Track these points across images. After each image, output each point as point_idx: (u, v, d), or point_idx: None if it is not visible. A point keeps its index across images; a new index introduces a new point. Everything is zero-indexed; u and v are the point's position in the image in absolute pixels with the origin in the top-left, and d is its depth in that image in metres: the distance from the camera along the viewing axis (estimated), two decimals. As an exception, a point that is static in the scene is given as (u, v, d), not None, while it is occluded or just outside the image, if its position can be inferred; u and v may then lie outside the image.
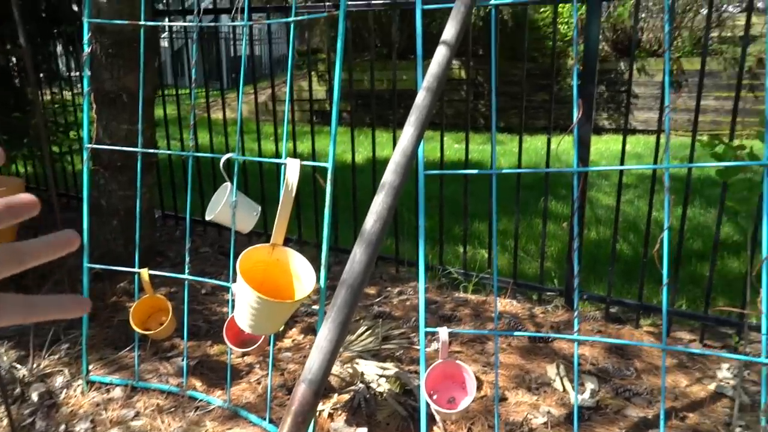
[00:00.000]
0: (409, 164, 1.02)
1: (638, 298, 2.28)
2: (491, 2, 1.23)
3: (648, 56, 6.96)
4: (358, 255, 0.96)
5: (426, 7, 1.20)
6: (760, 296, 1.02)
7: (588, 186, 4.52)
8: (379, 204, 0.99)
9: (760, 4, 7.55)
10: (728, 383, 1.91)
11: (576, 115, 1.16)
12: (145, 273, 1.67)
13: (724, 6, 7.11)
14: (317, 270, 1.30)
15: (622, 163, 2.36)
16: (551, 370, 1.91)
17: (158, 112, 3.14)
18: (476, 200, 3.36)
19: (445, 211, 2.94)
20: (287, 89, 1.42)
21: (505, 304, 2.46)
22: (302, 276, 1.35)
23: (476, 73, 7.30)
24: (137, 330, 1.71)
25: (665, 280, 1.13)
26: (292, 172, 1.29)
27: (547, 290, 2.48)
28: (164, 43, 8.17)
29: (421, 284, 1.20)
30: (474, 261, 2.83)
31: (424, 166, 1.20)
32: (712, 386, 1.89)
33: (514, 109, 6.68)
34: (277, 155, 3.06)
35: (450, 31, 1.16)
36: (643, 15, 7.14)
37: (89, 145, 1.64)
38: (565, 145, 5.45)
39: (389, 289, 2.62)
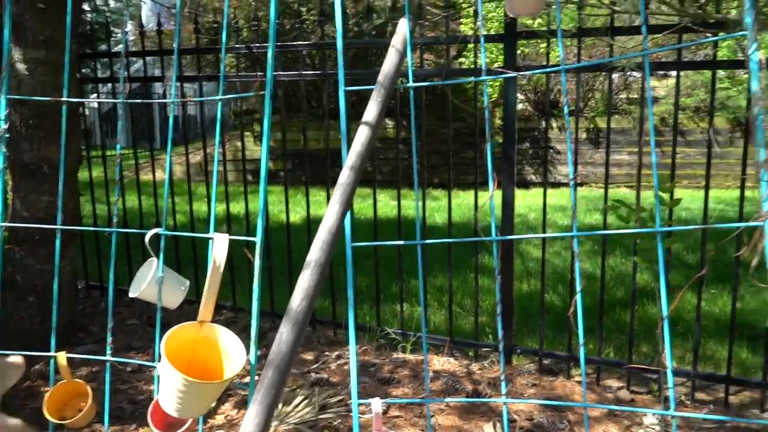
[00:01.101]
0: (335, 241, 1.05)
1: (568, 350, 2.37)
2: (409, 84, 1.31)
3: (564, 116, 7.50)
4: (284, 335, 0.96)
5: (348, 88, 1.27)
6: (664, 353, 1.09)
7: (518, 240, 4.71)
8: (305, 281, 1.00)
9: (661, 72, 8.40)
10: (654, 429, 1.99)
11: (492, 187, 1.24)
12: (62, 357, 1.57)
13: (628, 72, 7.85)
14: (248, 344, 1.28)
15: (544, 219, 2.50)
16: (488, 429, 1.93)
17: (84, 174, 3.04)
18: (413, 257, 3.43)
19: (383, 269, 2.98)
20: (214, 162, 1.44)
21: (443, 363, 2.48)
22: (231, 353, 1.32)
23: (408, 132, 7.58)
24: (51, 420, 1.59)
25: (581, 340, 1.19)
26: (219, 248, 1.29)
27: (483, 346, 2.53)
28: (93, 104, 7.99)
29: (353, 355, 1.21)
30: (412, 320, 2.86)
31: (351, 237, 1.24)
32: (639, 433, 1.96)
33: (445, 165, 6.96)
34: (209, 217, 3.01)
35: (371, 112, 1.23)
36: (556, 77, 7.74)
37: (3, 224, 1.57)
38: (496, 200, 5.68)
39: (327, 353, 2.58)
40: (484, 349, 2.53)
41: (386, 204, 5.95)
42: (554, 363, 2.48)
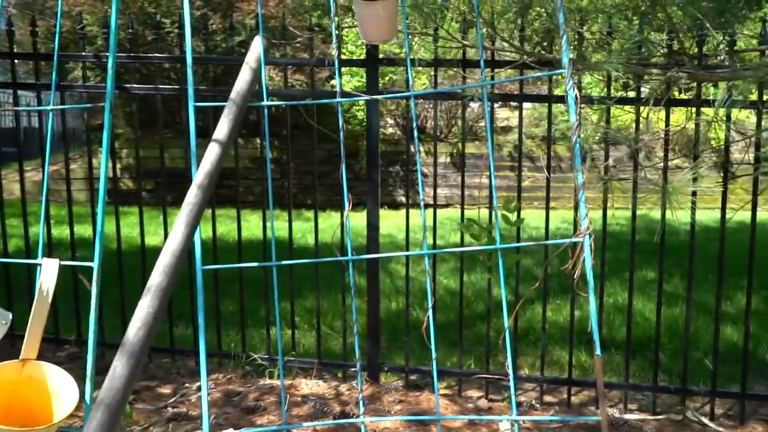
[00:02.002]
0: (179, 264, 0.99)
1: (430, 364, 2.46)
2: (263, 103, 1.29)
3: (432, 140, 7.94)
4: (118, 368, 0.87)
5: (198, 104, 1.22)
6: (507, 362, 1.18)
7: (388, 259, 4.83)
8: (144, 309, 0.93)
9: (513, 103, 9.25)
10: (508, 434, 2.13)
11: (347, 207, 1.26)
12: None
13: (481, 102, 8.54)
14: (82, 383, 1.15)
15: (407, 236, 2.59)
16: (354, 450, 1.93)
17: None
18: (283, 278, 3.36)
19: (252, 292, 2.87)
20: (43, 181, 1.29)
21: (311, 386, 2.44)
22: (62, 393, 1.17)
23: (281, 152, 7.50)
24: None
25: (434, 354, 1.24)
26: (47, 274, 1.15)
27: (352, 366, 2.54)
28: None
29: (204, 385, 1.13)
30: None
31: (205, 260, 1.17)
32: (495, 439, 2.08)
33: (319, 187, 6.97)
34: (50, 241, 2.70)
35: (222, 130, 1.19)
36: (427, 105, 8.18)
37: None
38: (361, 219, 5.79)
39: (187, 385, 2.41)
40: (352, 369, 2.54)
41: (257, 224, 5.79)
42: (420, 378, 2.56)
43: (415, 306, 3.55)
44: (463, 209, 2.52)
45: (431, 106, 8.31)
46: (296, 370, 2.53)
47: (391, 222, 6.46)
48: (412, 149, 7.98)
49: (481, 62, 1.28)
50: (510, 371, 1.16)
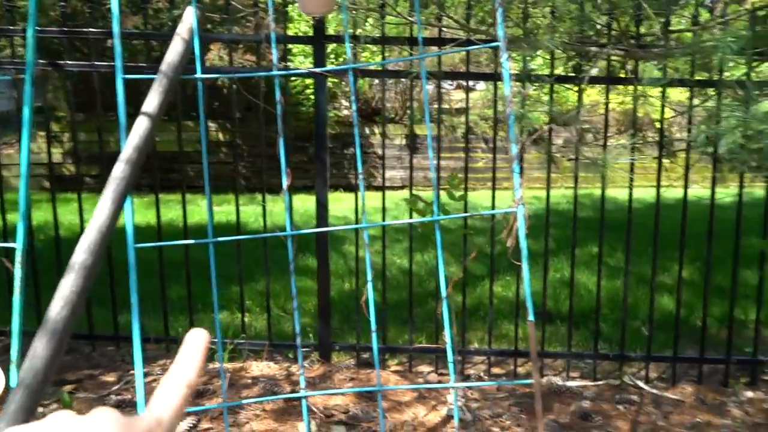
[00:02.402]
0: (105, 241, 0.95)
1: (383, 342, 2.49)
2: (196, 76, 1.25)
3: (388, 122, 7.91)
4: (39, 349, 0.84)
5: (127, 77, 1.17)
6: (444, 332, 1.20)
7: (341, 240, 4.84)
8: (67, 287, 0.89)
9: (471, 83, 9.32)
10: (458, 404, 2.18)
11: (285, 182, 1.24)
12: None
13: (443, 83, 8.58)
14: (6, 369, 1.10)
15: (356, 218, 2.59)
16: (302, 427, 1.93)
17: None
18: (232, 261, 3.31)
19: (201, 276, 2.81)
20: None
21: (261, 368, 2.43)
22: (-13, 380, 1.12)
23: (234, 135, 7.32)
24: None
25: (373, 326, 1.25)
26: (-35, 257, 1.09)
27: (303, 347, 2.53)
28: None
29: (138, 370, 1.11)
30: (230, 327, 2.74)
31: (134, 238, 1.13)
32: (444, 411, 2.13)
33: (272, 170, 6.86)
34: (-19, 231, 2.57)
35: (152, 102, 1.14)
36: (381, 85, 8.14)
37: None
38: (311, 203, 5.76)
39: (132, 372, 2.35)
40: (305, 350, 2.53)
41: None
42: (372, 356, 2.58)
43: (385, 287, 3.57)
44: (411, 187, 2.54)
45: (386, 87, 8.29)
46: (247, 352, 2.50)
47: (347, 205, 6.43)
48: (368, 131, 7.95)
49: (419, 37, 1.28)
50: (448, 341, 1.18)
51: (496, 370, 2.55)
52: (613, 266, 3.86)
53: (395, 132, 7.76)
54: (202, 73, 1.31)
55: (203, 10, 1.31)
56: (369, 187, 7.68)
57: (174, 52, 1.24)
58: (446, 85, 8.66)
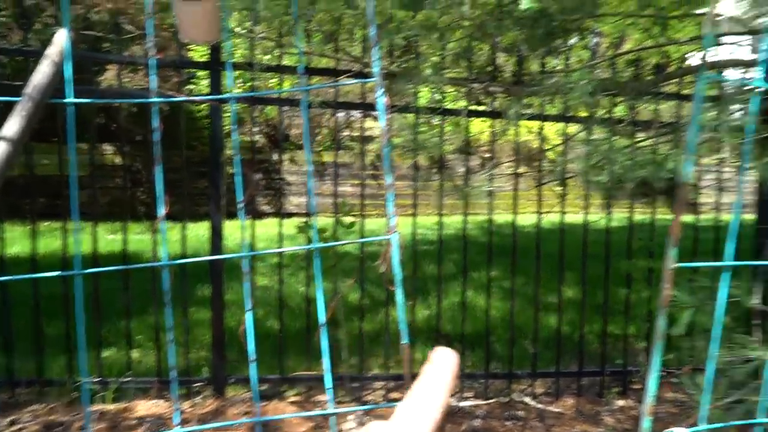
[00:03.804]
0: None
1: (280, 372, 2.44)
2: (66, 101, 1.20)
3: (296, 148, 7.91)
4: None
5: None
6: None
7: (241, 269, 4.70)
8: None
9: (375, 113, 9.57)
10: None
11: (162, 211, 1.21)
12: None
13: (352, 112, 8.73)
14: None
15: (252, 245, 2.54)
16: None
17: None
18: (119, 294, 3.11)
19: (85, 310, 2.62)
20: None
21: (149, 407, 2.29)
22: None
23: (133, 159, 6.97)
24: None
25: (252, 356, 1.23)
26: None
27: (195, 382, 2.42)
28: None
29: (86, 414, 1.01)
30: (116, 365, 2.57)
31: (12, 270, 1.05)
32: (340, 440, 2.12)
33: (174, 196, 6.59)
34: None
35: (13, 127, 1.07)
36: (290, 113, 8.14)
37: None
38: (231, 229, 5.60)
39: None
40: (196, 385, 2.43)
41: (101, 238, 5.31)
42: (270, 388, 2.52)
43: (270, 315, 3.50)
44: (313, 215, 2.54)
45: (295, 114, 8.29)
46: (133, 392, 2.35)
47: (255, 231, 6.30)
48: (276, 157, 7.88)
49: (300, 67, 1.31)
50: (326, 368, 1.19)
51: (395, 395, 2.58)
52: (508, 288, 4.08)
53: (303, 158, 7.76)
54: (75, 97, 1.26)
55: (82, 30, 1.26)
56: (278, 214, 7.57)
57: (41, 74, 1.18)
58: (357, 112, 8.83)
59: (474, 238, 6.10)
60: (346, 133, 8.69)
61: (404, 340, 1.16)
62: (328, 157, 7.76)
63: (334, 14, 1.99)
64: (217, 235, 2.34)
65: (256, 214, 7.36)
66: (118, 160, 7.25)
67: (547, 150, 2.68)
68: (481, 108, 2.45)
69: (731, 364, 1.32)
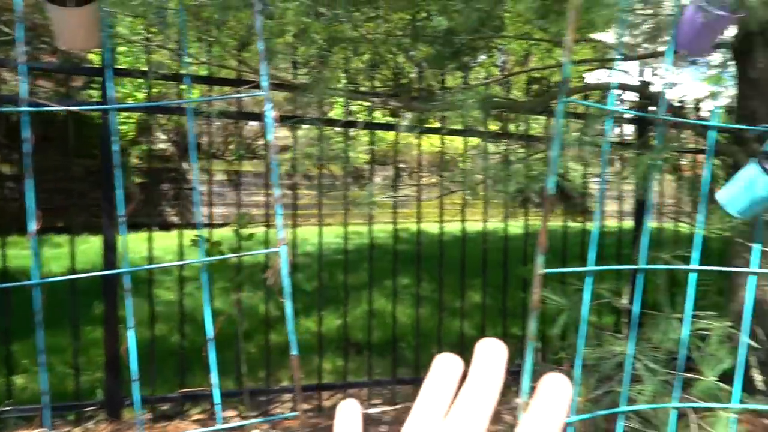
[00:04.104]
0: None
1: (180, 390, 2.35)
2: None
3: (208, 158, 7.66)
4: None
5: None
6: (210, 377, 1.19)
7: (145, 284, 4.49)
8: None
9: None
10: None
11: (33, 226, 1.14)
12: None
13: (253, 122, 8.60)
14: None
15: (150, 262, 2.45)
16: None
17: None
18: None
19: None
20: None
21: (33, 436, 2.12)
22: None
23: (21, 167, 6.44)
24: None
25: (135, 375, 1.19)
26: None
27: (87, 406, 2.28)
28: None
29: None
30: (-4, 392, 2.35)
31: None
32: (244, 456, 2.08)
33: (75, 206, 6.14)
34: None
35: None
36: (201, 122, 7.88)
37: None
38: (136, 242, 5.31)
39: None
40: (88, 409, 2.28)
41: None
42: (172, 407, 2.42)
43: (174, 331, 3.36)
44: (211, 226, 2.49)
45: (206, 122, 8.05)
46: (14, 420, 2.17)
47: (160, 243, 6.01)
48: (185, 166, 7.58)
49: (186, 79, 1.29)
50: (214, 382, 1.17)
51: (304, 406, 2.57)
52: (420, 296, 4.18)
53: (216, 168, 7.54)
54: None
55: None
56: (187, 225, 7.28)
57: None
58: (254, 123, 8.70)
59: (386, 247, 6.21)
60: (260, 142, 8.56)
61: (293, 351, 1.17)
62: (245, 167, 7.59)
63: (230, 25, 1.97)
64: (110, 249, 2.22)
65: (164, 226, 7.04)
66: (5, 169, 6.67)
67: (448, 162, 2.80)
68: (382, 121, 2.51)
69: (600, 359, 1.44)
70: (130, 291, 1.15)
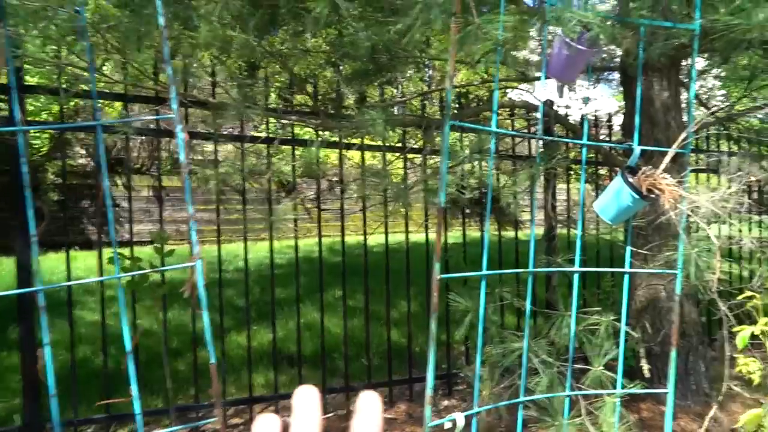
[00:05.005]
0: None
1: (106, 411, 2.32)
2: None
3: (133, 173, 7.43)
4: None
5: None
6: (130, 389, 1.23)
7: (74, 305, 4.33)
8: None
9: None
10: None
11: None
12: None
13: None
14: None
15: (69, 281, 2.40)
16: None
17: None
18: None
19: None
20: None
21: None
22: None
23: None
24: None
25: (52, 390, 1.21)
26: None
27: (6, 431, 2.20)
28: None
29: None
30: None
31: None
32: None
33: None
34: None
35: None
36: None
37: None
38: (54, 262, 5.08)
39: None
40: (3, 436, 2.20)
41: None
42: (98, 428, 2.38)
43: (97, 353, 3.27)
44: (132, 244, 2.47)
45: (131, 137, 7.81)
46: None
47: (82, 263, 5.77)
48: (110, 182, 7.33)
49: (93, 95, 1.33)
50: (134, 395, 1.21)
51: (235, 420, 2.59)
52: (351, 307, 4.27)
53: (142, 183, 7.33)
54: None
55: None
56: (118, 243, 7.01)
57: None
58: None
59: (314, 260, 6.25)
60: (191, 157, 8.38)
61: (212, 360, 1.22)
62: (168, 182, 7.41)
63: (145, 44, 1.99)
64: (25, 270, 2.17)
65: (86, 244, 6.75)
66: None
67: (367, 176, 2.92)
68: (320, 139, 2.60)
69: (503, 356, 1.59)
70: (44, 309, 1.17)
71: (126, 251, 2.51)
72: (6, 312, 3.62)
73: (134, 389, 1.20)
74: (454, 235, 3.27)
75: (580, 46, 1.21)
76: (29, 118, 6.28)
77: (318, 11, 1.39)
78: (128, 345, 1.20)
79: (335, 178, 7.79)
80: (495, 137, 1.28)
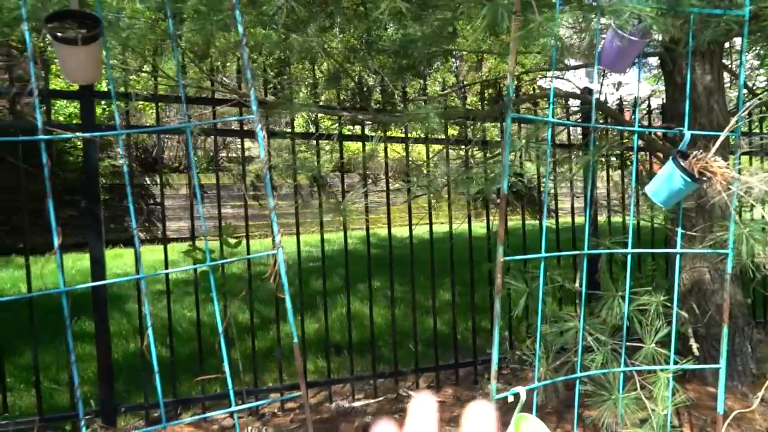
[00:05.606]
0: None
1: (173, 396, 2.47)
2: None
3: (171, 172, 7.66)
4: None
5: None
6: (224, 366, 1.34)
7: (124, 299, 4.54)
8: None
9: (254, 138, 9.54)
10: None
11: (56, 241, 1.27)
12: None
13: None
14: None
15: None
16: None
17: None
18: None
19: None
20: None
21: (31, 448, 2.20)
22: None
23: (-19, 190, 6.32)
24: None
25: (156, 367, 1.33)
26: None
27: (83, 415, 2.36)
28: None
29: None
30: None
31: None
32: (239, 451, 2.21)
33: (36, 226, 6.07)
34: None
35: None
36: (163, 136, 7.88)
37: None
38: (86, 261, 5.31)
39: None
40: (86, 418, 2.36)
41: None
42: (166, 412, 2.52)
43: (158, 342, 3.44)
44: (194, 238, 2.61)
45: (167, 137, 8.03)
46: (11, 434, 2.24)
47: (130, 260, 6.01)
48: (148, 181, 7.56)
49: (183, 100, 1.45)
50: (226, 371, 1.33)
51: (289, 405, 2.71)
52: (394, 297, 4.37)
53: (179, 181, 7.55)
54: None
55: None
56: (154, 240, 7.26)
57: None
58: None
59: (358, 252, 6.38)
60: (223, 154, 8.59)
61: (295, 339, 1.33)
62: (205, 180, 7.62)
63: (206, 45, 2.11)
64: (98, 264, 2.33)
65: (129, 242, 7.00)
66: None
67: (414, 168, 3.00)
68: (351, 132, 2.70)
69: (559, 334, 1.67)
70: (147, 295, 1.29)
71: (170, 247, 2.66)
72: (74, 306, 3.83)
73: (226, 367, 1.31)
74: (494, 225, 3.33)
75: (632, 37, 1.27)
76: (62, 118, 6.54)
77: (379, 12, 1.47)
78: (220, 327, 1.31)
79: (370, 172, 7.90)
80: (551, 127, 1.35)
